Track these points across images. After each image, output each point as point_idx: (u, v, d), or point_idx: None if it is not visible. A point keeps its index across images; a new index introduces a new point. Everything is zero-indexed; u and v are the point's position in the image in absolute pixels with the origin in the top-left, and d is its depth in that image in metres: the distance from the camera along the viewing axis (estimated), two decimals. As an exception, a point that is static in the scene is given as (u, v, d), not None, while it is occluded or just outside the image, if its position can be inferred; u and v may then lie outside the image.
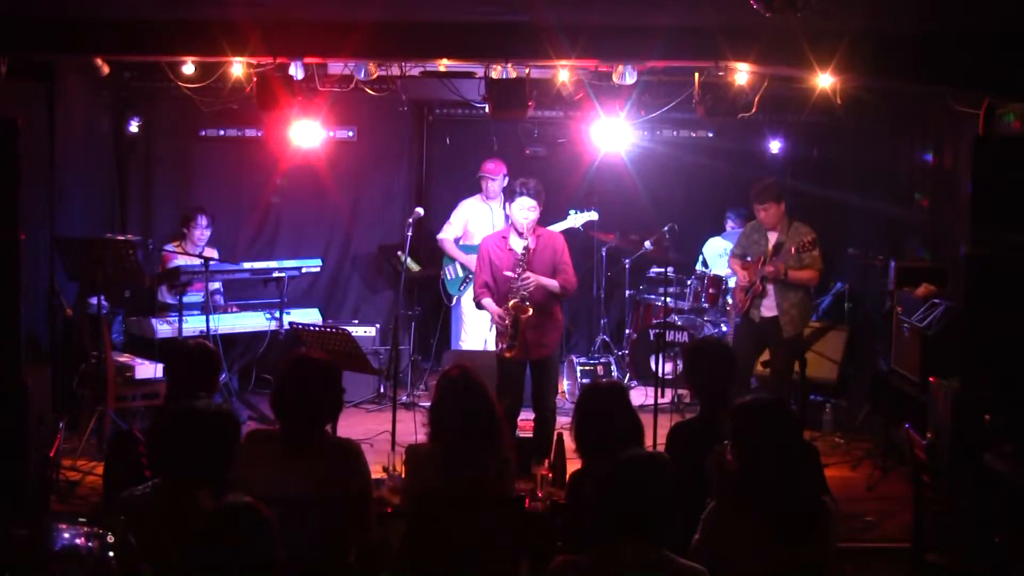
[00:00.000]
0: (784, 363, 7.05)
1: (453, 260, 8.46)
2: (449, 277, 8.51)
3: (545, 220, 8.53)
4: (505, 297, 6.28)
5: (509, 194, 6.49)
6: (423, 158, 9.74)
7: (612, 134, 7.77)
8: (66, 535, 2.87)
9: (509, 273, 6.28)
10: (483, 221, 8.36)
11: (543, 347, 6.36)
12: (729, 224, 9.09)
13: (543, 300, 6.28)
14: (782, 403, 3.70)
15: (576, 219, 8.33)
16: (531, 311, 6.19)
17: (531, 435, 6.44)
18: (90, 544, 2.88)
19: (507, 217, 8.24)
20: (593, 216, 8.37)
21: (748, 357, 7.09)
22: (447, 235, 8.45)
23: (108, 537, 2.89)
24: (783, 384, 6.97)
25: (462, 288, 8.38)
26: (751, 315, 7.16)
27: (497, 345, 6.44)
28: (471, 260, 8.17)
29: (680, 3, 5.67)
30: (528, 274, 6.21)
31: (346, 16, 6.08)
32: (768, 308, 7.09)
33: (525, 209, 6.28)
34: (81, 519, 2.92)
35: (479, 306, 6.54)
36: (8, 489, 5.47)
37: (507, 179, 8.27)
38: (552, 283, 6.28)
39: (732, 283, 8.11)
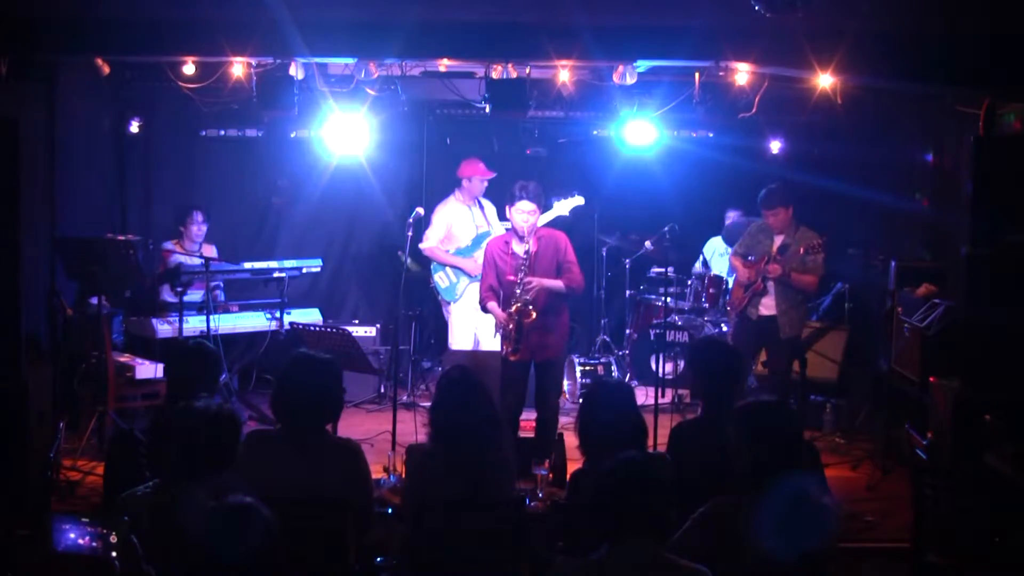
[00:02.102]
0: (782, 364, 7.06)
1: (443, 265, 8.25)
2: (443, 284, 8.23)
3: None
4: (509, 301, 6.28)
5: (509, 198, 6.45)
6: (423, 158, 9.73)
7: (612, 134, 7.76)
8: (70, 535, 2.87)
9: (513, 277, 6.28)
10: (465, 223, 8.20)
11: (548, 348, 6.35)
12: (730, 218, 9.06)
13: (548, 302, 6.27)
14: (784, 404, 3.70)
15: (562, 206, 8.22)
16: (535, 315, 6.19)
17: (532, 435, 6.45)
18: (94, 544, 2.88)
19: (485, 216, 8.26)
20: (579, 201, 8.23)
21: (746, 355, 7.09)
22: (432, 242, 8.13)
23: (111, 537, 2.89)
24: (782, 384, 6.97)
25: (459, 294, 8.26)
26: (748, 313, 7.17)
27: (502, 348, 6.44)
28: (465, 263, 8.14)
29: (681, 3, 5.67)
30: (530, 279, 6.20)
31: (346, 16, 6.09)
32: (767, 307, 7.09)
33: (525, 213, 6.25)
34: (84, 519, 2.92)
35: (485, 309, 6.53)
36: (8, 489, 5.47)
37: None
38: (556, 284, 6.25)
39: (731, 281, 8.11)
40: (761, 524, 3.31)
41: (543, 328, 6.30)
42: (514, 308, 6.22)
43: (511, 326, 6.25)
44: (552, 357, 6.38)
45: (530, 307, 6.18)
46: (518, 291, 6.21)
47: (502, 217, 8.02)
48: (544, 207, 6.34)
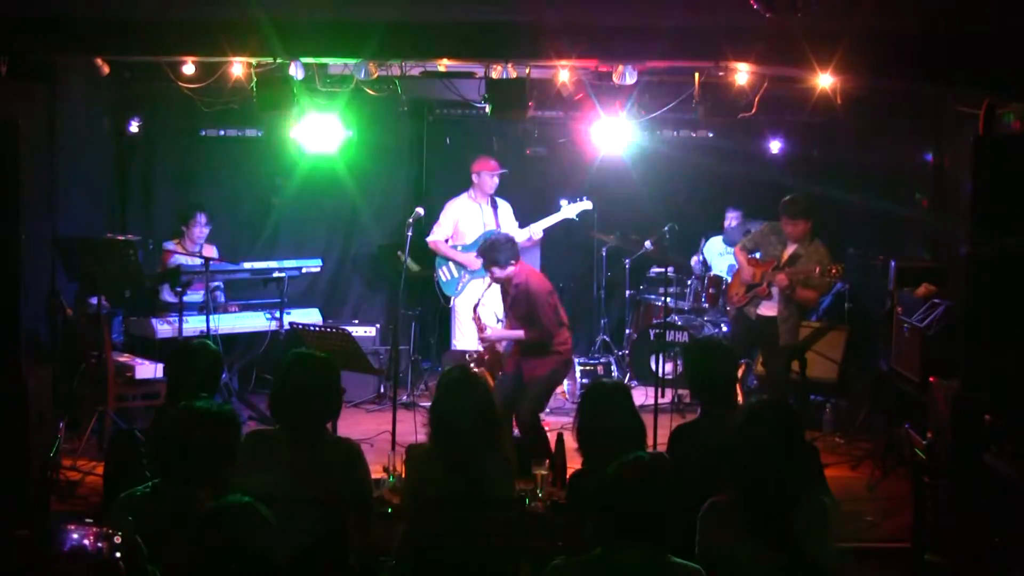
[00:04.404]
0: (781, 368, 7.05)
1: (447, 260, 8.38)
2: (444, 279, 8.40)
3: (543, 216, 8.57)
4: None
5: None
6: (423, 158, 9.73)
7: (613, 134, 7.77)
8: (74, 536, 2.87)
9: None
10: (474, 220, 8.31)
11: (530, 369, 6.43)
12: (729, 221, 9.06)
13: (524, 345, 6.44)
14: (787, 406, 3.70)
15: (570, 209, 8.27)
16: (483, 370, 6.50)
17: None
18: (99, 545, 2.87)
19: (496, 216, 8.29)
20: (587, 205, 8.28)
21: (742, 353, 7.10)
22: (438, 236, 8.34)
23: (116, 538, 2.89)
24: (780, 386, 6.97)
25: (459, 288, 8.34)
26: (747, 311, 7.17)
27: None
28: (465, 257, 8.18)
29: (680, 3, 5.67)
30: (487, 334, 6.64)
31: (346, 16, 6.09)
32: (768, 308, 7.09)
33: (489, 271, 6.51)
34: (88, 520, 2.92)
35: None
36: (8, 489, 5.47)
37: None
38: (516, 334, 6.44)
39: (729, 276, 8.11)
40: (759, 524, 3.31)
41: (528, 361, 6.43)
42: (471, 357, 6.70)
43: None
44: (531, 377, 6.42)
45: (481, 365, 6.58)
46: (481, 337, 6.75)
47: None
48: (503, 262, 6.35)
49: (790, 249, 7.06)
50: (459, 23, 6.19)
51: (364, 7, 5.98)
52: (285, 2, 5.93)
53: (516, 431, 6.67)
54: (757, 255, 7.26)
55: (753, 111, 6.75)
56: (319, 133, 7.56)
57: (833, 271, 6.75)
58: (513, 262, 6.34)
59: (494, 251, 6.32)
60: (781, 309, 7.01)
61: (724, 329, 8.35)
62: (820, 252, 6.96)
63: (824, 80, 6.40)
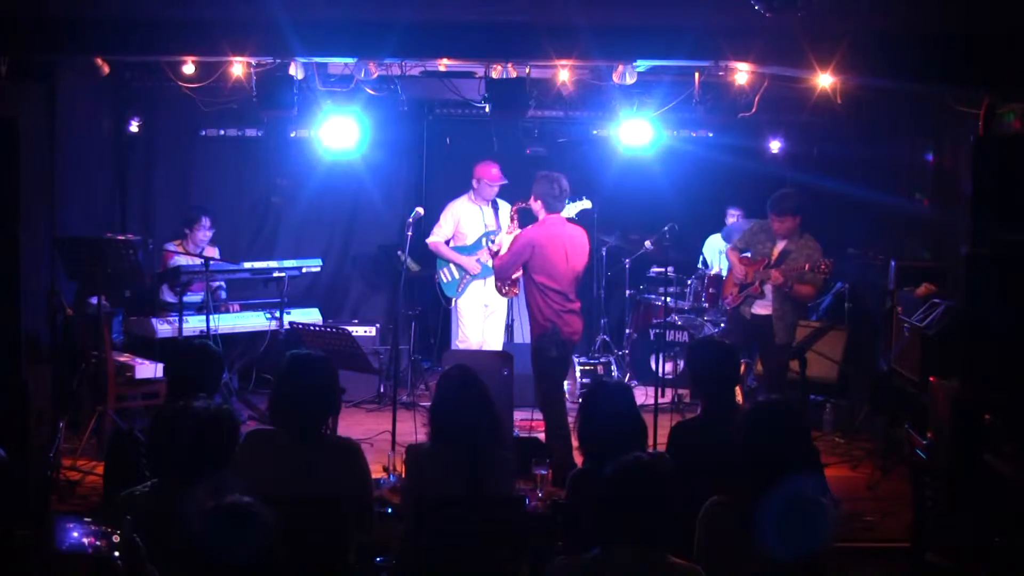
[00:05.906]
0: (779, 367, 7.06)
1: (447, 262, 8.35)
2: (445, 280, 8.34)
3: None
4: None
5: None
6: (423, 158, 9.73)
7: (613, 133, 7.77)
8: (73, 534, 2.87)
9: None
10: (474, 221, 8.24)
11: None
12: (730, 220, 9.06)
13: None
14: (793, 405, 3.69)
15: (569, 209, 8.26)
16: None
17: (530, 435, 6.47)
18: (97, 543, 2.88)
19: (497, 217, 8.30)
20: (587, 204, 8.28)
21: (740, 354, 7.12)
22: (438, 237, 8.27)
23: (114, 537, 2.89)
24: (779, 385, 6.97)
25: (460, 290, 8.31)
26: (742, 312, 7.18)
27: None
28: (466, 261, 8.17)
29: (680, 3, 5.67)
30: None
31: (345, 16, 6.09)
32: (763, 307, 7.10)
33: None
34: (87, 519, 2.92)
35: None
36: (8, 489, 5.46)
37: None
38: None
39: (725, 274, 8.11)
40: (760, 524, 3.31)
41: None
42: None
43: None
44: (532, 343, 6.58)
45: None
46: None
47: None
48: (536, 195, 6.70)
49: (780, 246, 7.06)
50: (459, 23, 6.19)
51: (363, 7, 5.98)
52: (285, 2, 5.92)
53: (516, 431, 6.70)
54: (748, 254, 7.26)
55: (753, 111, 6.75)
56: (336, 133, 7.52)
57: (823, 267, 6.75)
58: (544, 208, 6.62)
59: (541, 183, 6.63)
60: (776, 308, 7.01)
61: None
62: (810, 247, 6.95)
63: (824, 80, 6.40)
